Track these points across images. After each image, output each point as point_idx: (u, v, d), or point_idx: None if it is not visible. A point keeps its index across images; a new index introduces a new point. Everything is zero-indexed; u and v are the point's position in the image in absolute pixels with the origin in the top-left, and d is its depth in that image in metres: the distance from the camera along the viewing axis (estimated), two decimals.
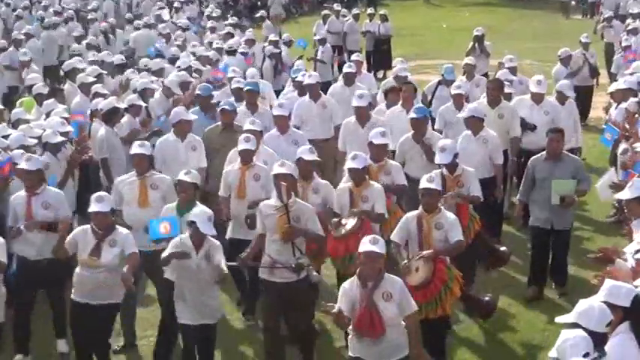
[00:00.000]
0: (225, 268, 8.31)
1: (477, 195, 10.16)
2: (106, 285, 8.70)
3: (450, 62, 16.60)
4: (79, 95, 14.55)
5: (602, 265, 7.90)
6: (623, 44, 19.22)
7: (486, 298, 9.71)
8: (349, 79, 14.58)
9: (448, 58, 21.36)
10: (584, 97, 17.95)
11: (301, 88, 14.02)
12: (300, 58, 19.56)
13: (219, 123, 12.07)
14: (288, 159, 9.64)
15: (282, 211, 8.70)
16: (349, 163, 9.65)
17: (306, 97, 13.46)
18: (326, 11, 27.10)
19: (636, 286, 6.60)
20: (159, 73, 16.19)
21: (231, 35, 21.61)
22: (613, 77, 18.75)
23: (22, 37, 20.98)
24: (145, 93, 13.93)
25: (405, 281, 7.92)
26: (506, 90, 13.55)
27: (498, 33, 28.64)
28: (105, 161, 11.96)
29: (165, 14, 26.81)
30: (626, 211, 8.88)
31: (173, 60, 17.71)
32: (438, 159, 10.25)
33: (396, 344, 7.52)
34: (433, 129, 12.30)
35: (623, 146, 11.75)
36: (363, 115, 12.04)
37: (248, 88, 13.10)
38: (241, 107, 12.77)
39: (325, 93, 14.02)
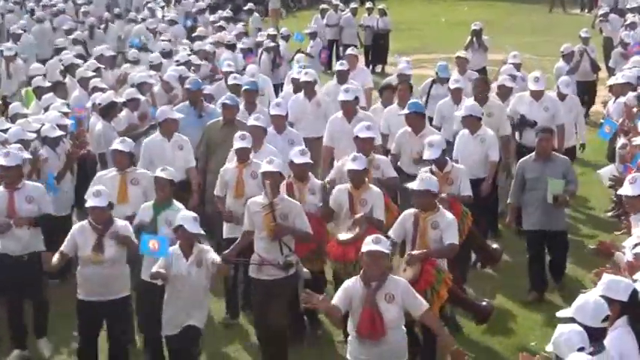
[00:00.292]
0: (219, 259, 8.27)
1: (468, 194, 10.01)
2: (113, 278, 8.65)
3: (449, 56, 16.55)
4: (78, 89, 14.53)
5: (602, 258, 7.89)
6: (626, 41, 19.13)
7: (483, 303, 9.44)
8: (342, 77, 14.38)
9: (446, 53, 21.34)
10: (587, 93, 17.94)
11: (297, 85, 13.94)
12: (299, 52, 19.57)
13: (220, 118, 11.95)
14: (284, 158, 9.59)
15: (267, 209, 8.67)
16: (349, 165, 9.42)
17: (301, 95, 13.35)
18: (324, 5, 27.09)
19: (634, 280, 6.61)
20: (157, 67, 16.17)
21: (222, 28, 21.52)
22: (611, 72, 18.73)
23: (21, 31, 20.94)
24: (142, 87, 13.92)
25: None
26: (509, 84, 13.51)
27: (497, 27, 28.59)
28: (102, 156, 11.93)
29: (157, 9, 26.68)
30: (626, 206, 8.85)
31: (163, 54, 17.56)
32: (426, 155, 10.10)
33: (396, 348, 7.44)
34: (431, 124, 12.25)
35: (622, 141, 11.75)
36: (349, 110, 11.85)
37: (246, 87, 12.91)
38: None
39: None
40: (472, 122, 11.47)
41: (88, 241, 8.61)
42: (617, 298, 6.12)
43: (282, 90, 16.42)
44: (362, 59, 24.93)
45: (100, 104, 12.48)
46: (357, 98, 12.18)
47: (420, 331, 8.58)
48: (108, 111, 12.34)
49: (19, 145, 10.58)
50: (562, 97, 13.68)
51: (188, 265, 8.29)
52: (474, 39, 19.20)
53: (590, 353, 5.60)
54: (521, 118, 12.76)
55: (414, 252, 8.52)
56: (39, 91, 14.29)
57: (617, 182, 9.73)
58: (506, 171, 12.42)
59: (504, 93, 13.36)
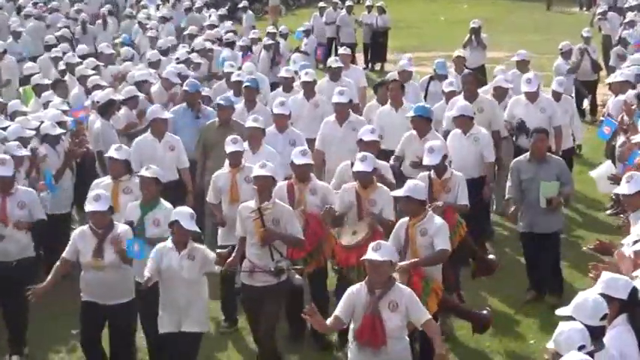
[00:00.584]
0: (213, 254, 8.23)
1: (465, 204, 9.78)
2: (115, 283, 8.56)
3: (448, 54, 16.53)
4: (77, 87, 14.52)
5: (602, 255, 7.86)
6: (627, 40, 19.06)
7: (484, 312, 9.17)
8: (335, 75, 14.32)
9: (446, 51, 21.32)
10: (590, 92, 17.89)
11: (285, 85, 13.86)
12: (297, 50, 19.54)
13: (216, 119, 11.90)
14: (284, 158, 9.51)
15: (256, 215, 8.60)
16: (357, 166, 9.23)
17: (300, 95, 13.28)
18: (322, 3, 27.07)
19: (634, 278, 6.61)
20: (155, 65, 16.14)
21: (214, 26, 21.46)
22: (611, 70, 18.70)
23: (22, 29, 20.86)
24: (143, 85, 13.89)
25: None
26: (504, 85, 13.42)
27: (496, 25, 28.59)
28: (101, 154, 11.86)
29: (151, 7, 26.62)
30: (625, 205, 8.82)
31: (162, 52, 17.51)
32: (425, 160, 9.93)
33: (397, 358, 7.37)
34: None
35: (621, 139, 11.74)
36: (342, 113, 11.72)
37: (247, 84, 12.87)
38: (238, 105, 12.56)
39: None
40: (464, 122, 11.35)
41: (89, 246, 8.54)
42: (617, 296, 6.11)
43: None
44: (361, 57, 25.08)
45: (98, 102, 12.46)
46: (351, 101, 12.03)
47: (418, 343, 8.48)
48: (106, 109, 12.32)
49: (17, 143, 10.59)
50: (557, 96, 13.59)
51: (179, 257, 8.21)
52: (473, 37, 19.20)
53: (590, 352, 5.60)
54: (520, 123, 12.60)
55: (401, 263, 8.24)
56: (38, 89, 14.28)
57: (617, 181, 9.71)
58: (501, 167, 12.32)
59: (500, 94, 13.25)
